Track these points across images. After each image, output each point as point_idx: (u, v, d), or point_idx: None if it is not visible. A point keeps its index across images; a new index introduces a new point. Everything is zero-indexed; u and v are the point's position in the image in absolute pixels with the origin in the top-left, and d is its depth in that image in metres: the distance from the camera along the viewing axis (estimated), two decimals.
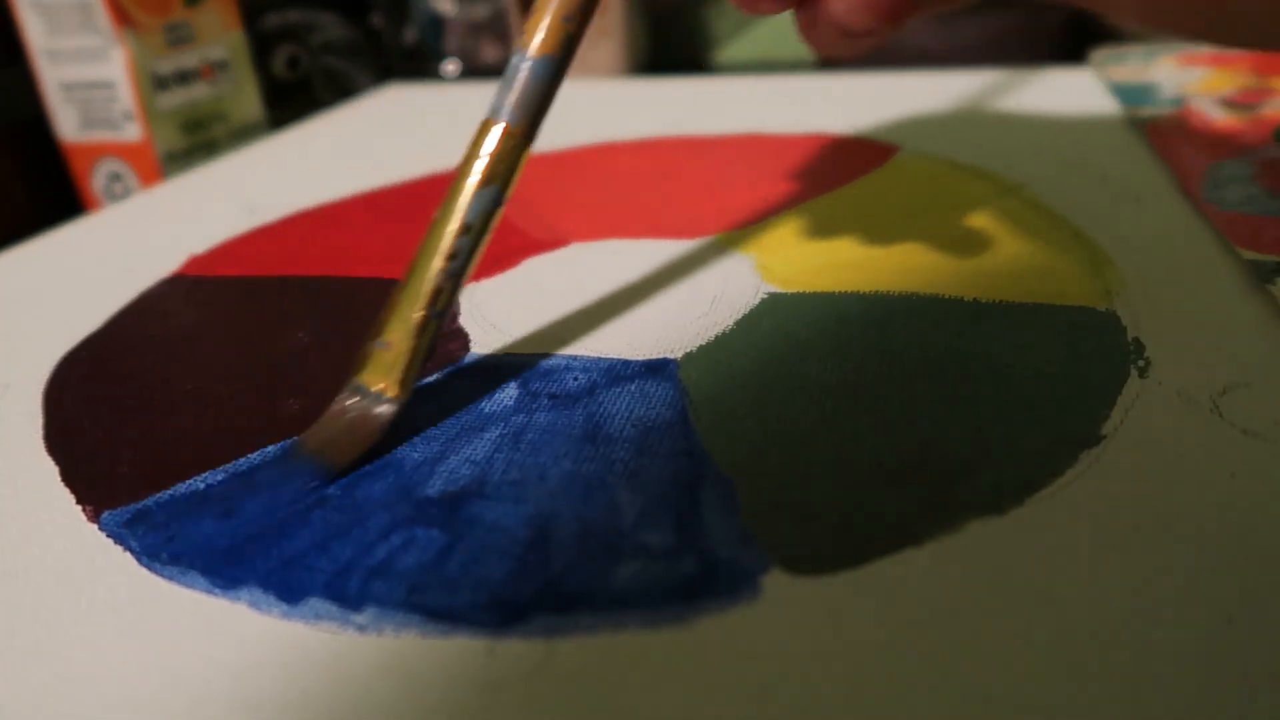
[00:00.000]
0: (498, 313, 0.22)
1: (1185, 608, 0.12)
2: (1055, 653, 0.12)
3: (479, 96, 0.44)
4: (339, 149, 0.37)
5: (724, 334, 0.20)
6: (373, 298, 0.23)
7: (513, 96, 0.17)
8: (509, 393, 0.18)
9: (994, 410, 0.16)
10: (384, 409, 0.16)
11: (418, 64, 0.54)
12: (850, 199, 0.26)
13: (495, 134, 0.17)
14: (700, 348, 0.19)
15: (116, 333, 0.23)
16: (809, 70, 0.45)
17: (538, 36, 0.17)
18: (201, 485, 0.16)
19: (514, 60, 0.17)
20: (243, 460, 0.17)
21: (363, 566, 0.14)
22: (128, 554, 0.15)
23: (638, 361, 0.19)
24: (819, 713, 0.11)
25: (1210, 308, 0.19)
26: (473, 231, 0.17)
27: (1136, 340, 0.18)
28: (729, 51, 0.51)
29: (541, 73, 0.17)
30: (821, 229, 0.25)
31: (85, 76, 0.35)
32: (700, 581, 0.13)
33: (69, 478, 0.17)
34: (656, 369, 0.19)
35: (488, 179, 0.17)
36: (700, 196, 0.28)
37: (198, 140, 0.38)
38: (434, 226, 0.17)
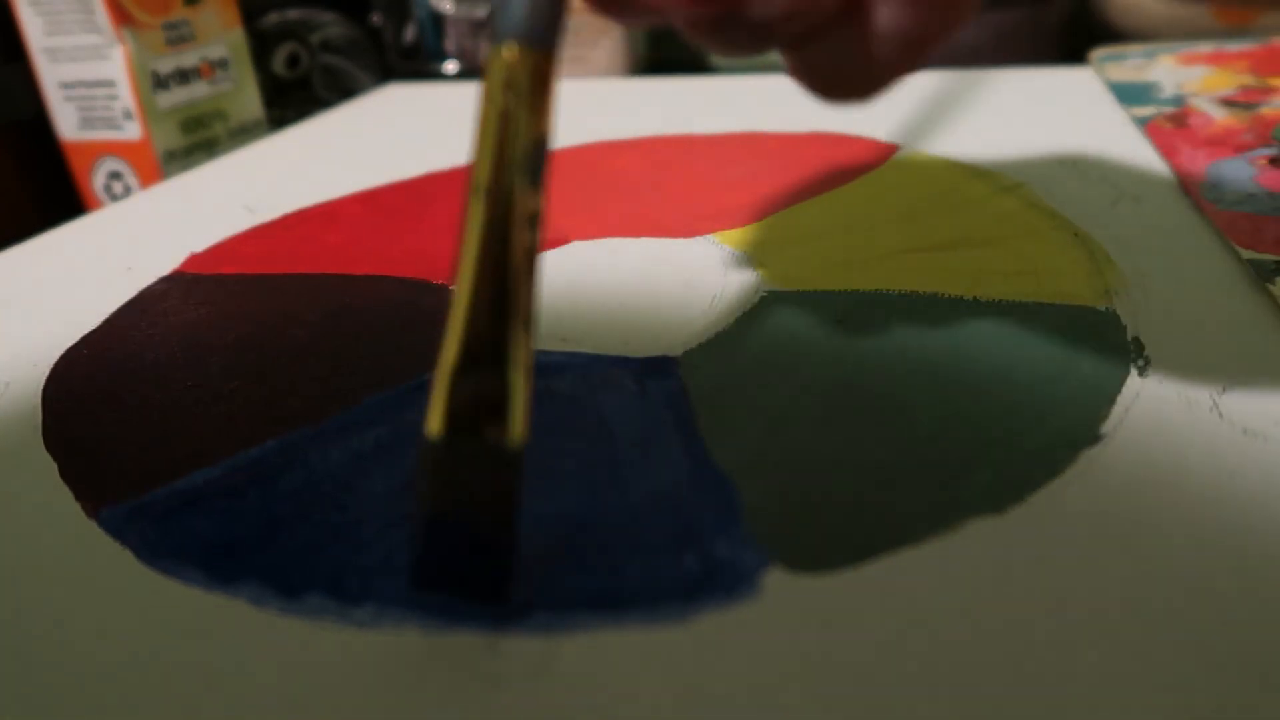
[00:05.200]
0: None
1: (1185, 608, 0.12)
2: (1055, 653, 0.12)
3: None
4: (339, 148, 0.37)
5: (724, 333, 0.20)
6: (372, 296, 0.23)
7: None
8: None
9: (994, 410, 0.16)
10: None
11: (418, 63, 0.54)
12: (850, 198, 0.26)
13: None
14: (700, 346, 0.19)
15: (116, 330, 0.23)
16: None
17: None
18: (200, 481, 0.16)
19: None
20: (241, 456, 0.17)
21: (363, 563, 0.14)
22: (126, 550, 0.15)
23: (638, 360, 0.19)
24: (819, 713, 0.11)
25: (1210, 308, 0.19)
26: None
27: (1136, 340, 0.18)
28: None
29: None
30: (821, 229, 0.24)
31: (85, 75, 0.35)
32: (700, 580, 0.13)
33: (68, 474, 0.17)
34: (657, 367, 0.19)
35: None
36: (700, 196, 0.28)
37: (197, 139, 0.38)
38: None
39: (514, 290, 0.12)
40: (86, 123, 0.36)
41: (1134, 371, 0.17)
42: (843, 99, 0.14)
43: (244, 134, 0.40)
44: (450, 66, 0.53)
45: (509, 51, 0.13)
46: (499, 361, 0.12)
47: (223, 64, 0.38)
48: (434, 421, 0.12)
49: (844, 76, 0.14)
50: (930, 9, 0.13)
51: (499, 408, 0.12)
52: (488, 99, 0.13)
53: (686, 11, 0.13)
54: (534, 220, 0.13)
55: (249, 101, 0.40)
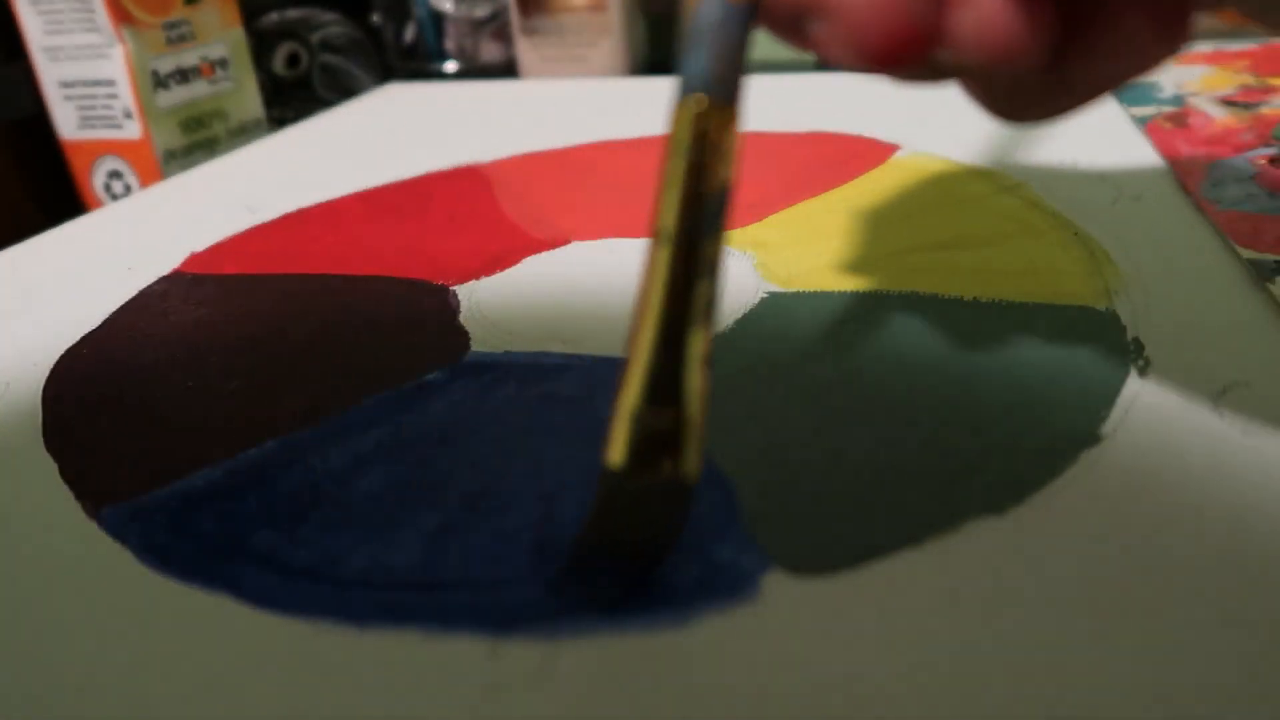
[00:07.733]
0: (498, 312, 0.22)
1: (1185, 608, 0.12)
2: (1055, 653, 0.12)
3: (479, 96, 0.44)
4: (339, 148, 0.37)
5: (724, 334, 0.20)
6: (372, 296, 0.23)
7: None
8: (509, 392, 0.18)
9: (994, 410, 0.16)
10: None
11: (418, 63, 0.54)
12: (850, 198, 0.26)
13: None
14: None
15: (116, 330, 0.23)
16: (809, 70, 0.45)
17: None
18: (200, 482, 0.16)
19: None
20: (241, 456, 0.17)
21: (363, 564, 0.14)
22: (127, 551, 0.15)
23: None
24: (819, 713, 0.11)
25: (1210, 308, 0.19)
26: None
27: (1136, 340, 0.18)
28: None
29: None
30: (821, 229, 0.25)
31: (85, 74, 0.35)
32: (700, 583, 0.13)
33: (68, 475, 0.17)
34: None
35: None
36: None
37: (197, 138, 0.38)
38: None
39: (694, 335, 0.13)
40: (86, 122, 0.36)
41: (1134, 372, 0.17)
42: (1022, 123, 0.15)
43: (244, 134, 0.40)
44: (450, 66, 0.53)
45: (698, 104, 0.13)
46: (676, 402, 0.13)
47: (223, 64, 0.38)
48: (615, 454, 0.13)
49: (1030, 106, 0.14)
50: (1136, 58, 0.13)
51: (675, 445, 0.13)
52: (674, 150, 0.13)
53: (878, 62, 0.13)
54: (713, 267, 0.13)
55: (249, 101, 0.40)
